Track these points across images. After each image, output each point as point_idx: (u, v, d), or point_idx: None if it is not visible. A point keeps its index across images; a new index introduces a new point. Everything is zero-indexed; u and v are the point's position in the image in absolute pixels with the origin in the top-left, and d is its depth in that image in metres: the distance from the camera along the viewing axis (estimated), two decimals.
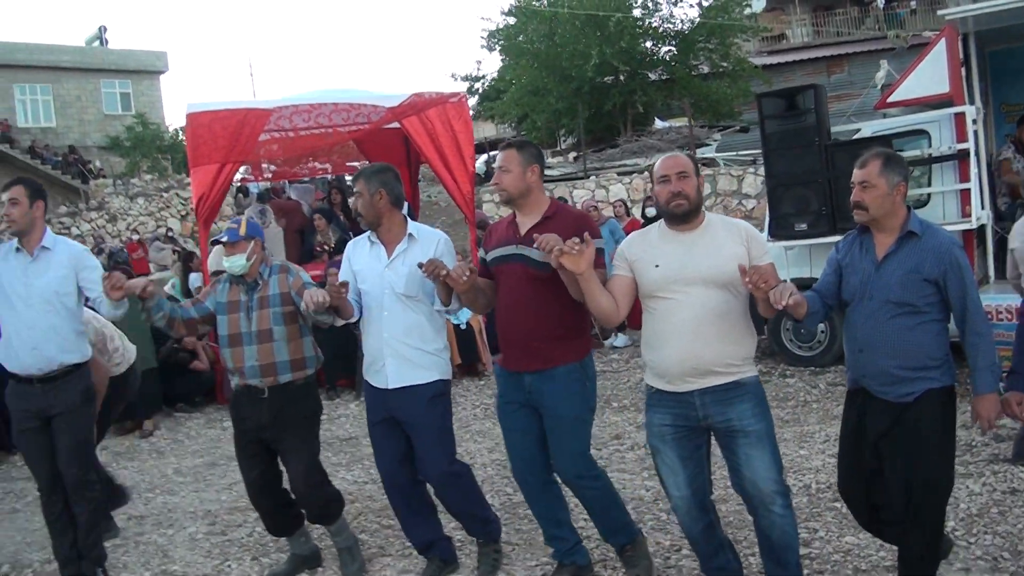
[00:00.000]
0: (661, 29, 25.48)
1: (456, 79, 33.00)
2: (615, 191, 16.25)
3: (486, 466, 6.51)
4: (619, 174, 17.24)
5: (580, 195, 15.95)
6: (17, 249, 4.66)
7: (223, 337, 4.62)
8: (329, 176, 18.09)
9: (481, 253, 4.40)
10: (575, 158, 22.13)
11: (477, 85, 31.76)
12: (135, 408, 8.51)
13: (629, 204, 13.83)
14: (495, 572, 4.58)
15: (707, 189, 15.71)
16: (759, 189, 15.65)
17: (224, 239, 4.50)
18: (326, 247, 10.88)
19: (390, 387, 4.32)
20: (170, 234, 24.05)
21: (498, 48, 28.98)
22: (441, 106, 10.04)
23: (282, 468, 4.71)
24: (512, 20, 27.84)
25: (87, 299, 4.75)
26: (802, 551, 4.13)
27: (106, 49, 39.88)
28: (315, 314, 4.28)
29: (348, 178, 20.06)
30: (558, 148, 27.01)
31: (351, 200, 4.61)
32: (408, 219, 4.52)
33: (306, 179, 14.22)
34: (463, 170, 10.06)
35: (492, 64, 42.82)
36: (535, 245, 3.71)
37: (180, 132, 36.44)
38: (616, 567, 4.44)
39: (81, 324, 4.79)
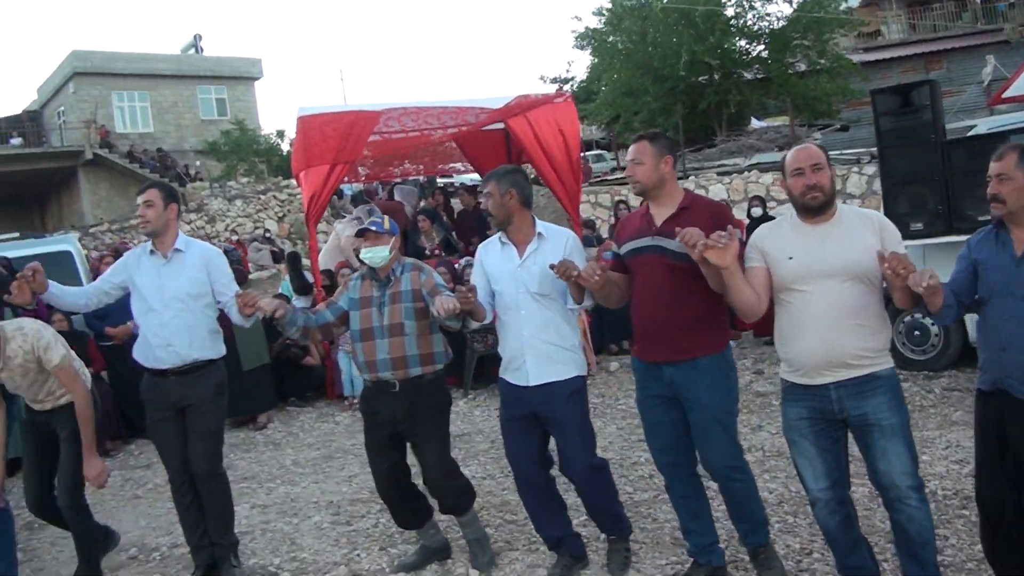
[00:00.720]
0: (756, 27, 25.12)
1: (545, 81, 33.13)
2: (715, 191, 16.09)
3: None
4: (718, 174, 17.05)
5: None
6: (152, 251, 4.85)
7: (355, 332, 4.70)
8: (421, 178, 18.37)
9: (613, 247, 4.42)
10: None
11: (567, 87, 31.81)
12: (249, 402, 8.78)
13: (730, 204, 13.68)
14: (626, 569, 4.58)
15: None
16: (864, 188, 15.35)
17: (372, 228, 4.62)
18: (436, 251, 10.99)
19: (531, 384, 4.35)
20: (267, 235, 24.58)
21: (589, 49, 28.98)
22: (547, 106, 10.10)
23: (411, 462, 4.80)
24: (603, 20, 27.81)
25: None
26: None
27: (202, 56, 40.89)
28: (445, 320, 4.32)
29: (441, 180, 20.30)
30: None
31: (482, 201, 4.65)
32: (536, 219, 4.56)
33: (398, 180, 14.39)
34: (569, 170, 10.09)
35: (582, 66, 42.67)
36: (677, 239, 3.67)
37: (275, 136, 37.27)
38: (747, 569, 4.39)
39: (215, 323, 4.93)
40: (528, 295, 4.35)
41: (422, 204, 13.19)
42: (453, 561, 4.92)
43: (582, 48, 29.23)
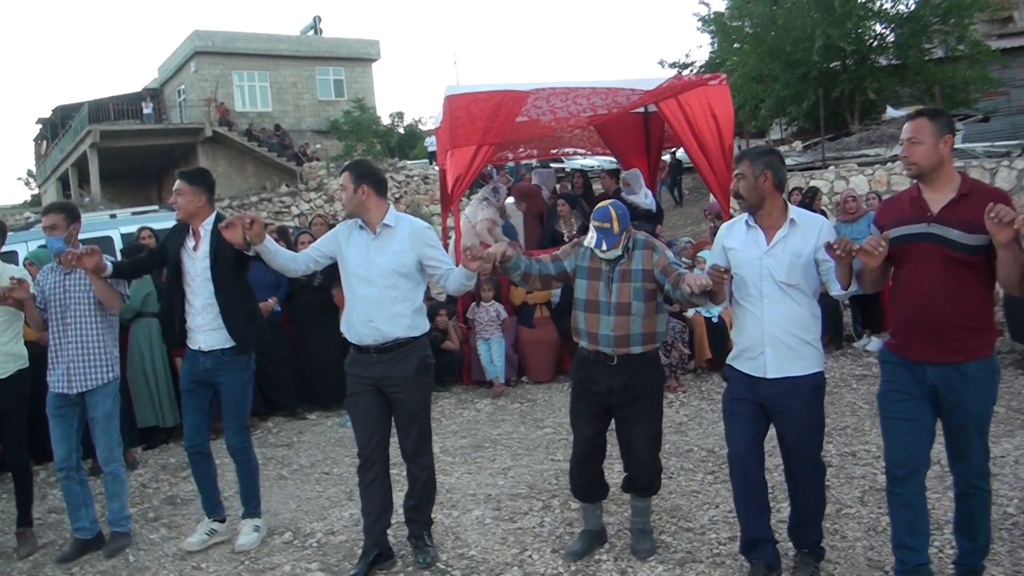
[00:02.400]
0: (892, 11, 24.01)
1: (664, 66, 32.45)
2: (856, 182, 15.31)
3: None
4: (859, 164, 16.28)
5: (821, 187, 15.09)
6: (361, 227, 4.78)
7: (580, 301, 4.64)
8: (534, 161, 18.05)
9: (874, 231, 4.05)
10: (805, 147, 21.18)
11: (686, 72, 31.09)
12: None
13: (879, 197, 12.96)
14: None
15: None
16: (1013, 183, 14.50)
17: (595, 245, 4.54)
18: (575, 238, 10.62)
19: (769, 376, 4.19)
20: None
21: (712, 33, 28.23)
22: (700, 89, 9.68)
23: None
24: (729, 3, 27.05)
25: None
26: None
27: (321, 38, 41.26)
28: (691, 297, 4.24)
29: (554, 164, 19.92)
30: (780, 137, 26.01)
31: (735, 183, 4.34)
32: (789, 203, 4.31)
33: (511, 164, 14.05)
34: (720, 157, 9.65)
35: (701, 51, 41.74)
36: (988, 216, 3.44)
37: (395, 118, 37.46)
38: None
39: (421, 300, 4.86)
40: (774, 283, 4.17)
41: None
42: (611, 546, 4.91)
43: (710, 32, 28.50)
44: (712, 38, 29.48)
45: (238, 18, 79.65)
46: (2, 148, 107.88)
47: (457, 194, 9.47)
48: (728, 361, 4.46)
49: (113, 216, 10.53)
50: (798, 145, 22.07)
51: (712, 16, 28.15)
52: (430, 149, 35.59)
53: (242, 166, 34.91)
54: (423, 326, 4.86)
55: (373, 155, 31.87)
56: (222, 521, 5.50)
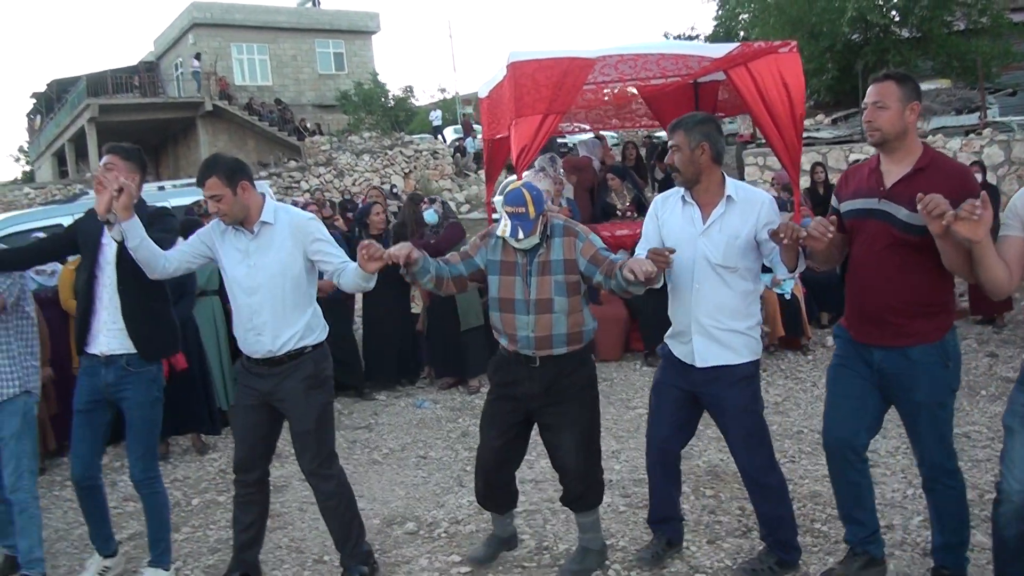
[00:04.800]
0: None
1: (669, 37, 32.14)
2: None
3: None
4: None
5: (853, 160, 14.84)
6: (235, 227, 4.23)
7: (493, 299, 4.15)
8: (586, 135, 17.65)
9: (834, 201, 3.88)
10: (833, 121, 20.89)
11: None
12: (463, 364, 8.32)
13: None
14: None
15: (1000, 156, 14.39)
16: None
17: (510, 234, 3.97)
18: (629, 211, 10.33)
19: (696, 365, 4.00)
20: (395, 191, 24.25)
21: (736, 3, 27.82)
22: (770, 56, 9.33)
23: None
24: None
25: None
26: None
27: (320, 10, 40.74)
28: (627, 285, 3.80)
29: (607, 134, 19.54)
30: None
31: (669, 155, 4.01)
32: (727, 177, 4.04)
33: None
34: (791, 126, 9.32)
35: (705, 23, 41.30)
36: (919, 207, 3.18)
37: (405, 92, 37.09)
38: None
39: (313, 303, 4.35)
40: (708, 266, 3.92)
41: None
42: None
43: (723, 2, 28.15)
44: (718, 8, 29.13)
45: None
46: None
47: (522, 166, 9.09)
48: (665, 338, 4.22)
49: (162, 188, 10.14)
50: (823, 118, 21.77)
51: None
52: (435, 123, 35.37)
53: (243, 141, 34.46)
54: (317, 335, 4.31)
55: (382, 128, 31.43)
56: (113, 555, 4.79)
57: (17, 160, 57.57)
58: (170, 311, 4.72)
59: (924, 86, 20.47)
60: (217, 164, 4.17)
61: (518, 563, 4.52)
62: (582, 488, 4.20)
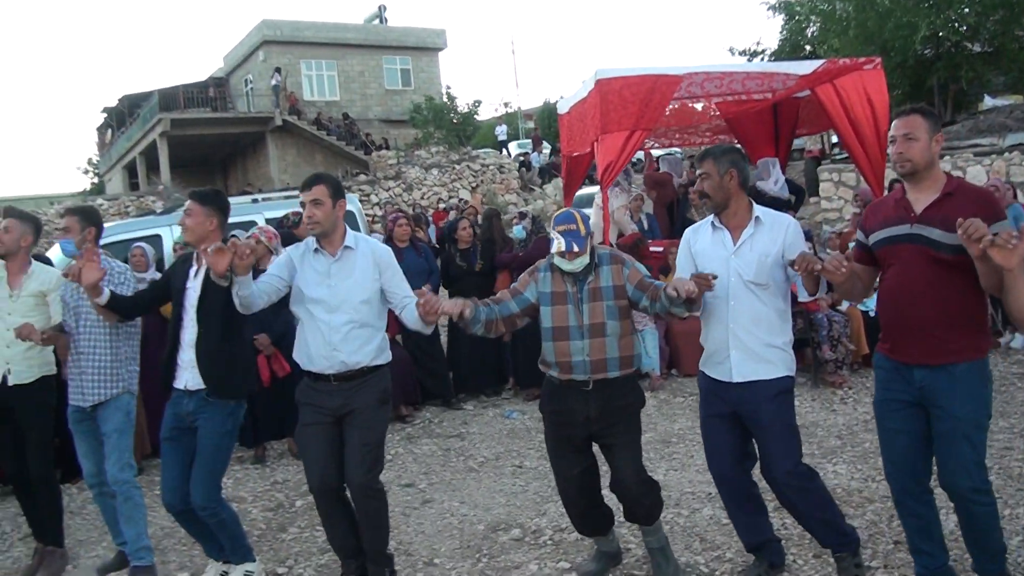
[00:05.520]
0: None
1: (734, 53, 31.97)
2: (973, 173, 14.88)
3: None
4: (975, 155, 15.80)
5: None
6: (316, 249, 4.48)
7: (547, 330, 4.27)
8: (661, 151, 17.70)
9: (859, 235, 4.03)
10: None
11: (756, 60, 30.54)
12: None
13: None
14: None
15: None
16: None
17: (564, 249, 4.17)
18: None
19: (734, 380, 4.11)
20: (462, 205, 24.45)
21: (788, 18, 27.59)
22: (856, 74, 9.37)
23: None
24: None
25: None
26: None
27: (388, 27, 41.24)
28: (671, 304, 4.02)
29: (658, 152, 19.58)
30: None
31: (700, 182, 4.28)
32: (753, 202, 4.23)
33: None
34: (876, 143, 9.34)
35: (771, 38, 41.03)
36: (959, 231, 3.31)
37: (472, 107, 37.39)
38: None
39: (384, 327, 4.58)
40: (741, 283, 4.09)
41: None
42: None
43: (785, 14, 27.89)
44: (784, 24, 28.91)
45: (303, 7, 79.66)
46: (63, 138, 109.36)
47: (607, 181, 9.23)
48: (700, 367, 4.34)
49: (255, 201, 10.40)
50: None
51: (782, 2, 27.59)
52: (500, 138, 35.59)
53: (311, 155, 34.98)
54: (385, 355, 4.54)
55: (449, 143, 31.73)
56: (228, 561, 4.93)
57: (85, 172, 58.76)
58: (246, 354, 5.02)
59: (996, 102, 20.24)
60: (327, 177, 4.53)
61: (627, 571, 4.60)
62: (648, 502, 4.34)
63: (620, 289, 4.21)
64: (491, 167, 27.93)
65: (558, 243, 4.16)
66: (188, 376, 4.60)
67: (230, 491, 4.76)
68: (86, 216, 5.14)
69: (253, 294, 4.31)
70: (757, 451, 4.21)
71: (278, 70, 35.85)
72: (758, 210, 4.16)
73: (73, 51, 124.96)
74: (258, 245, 4.39)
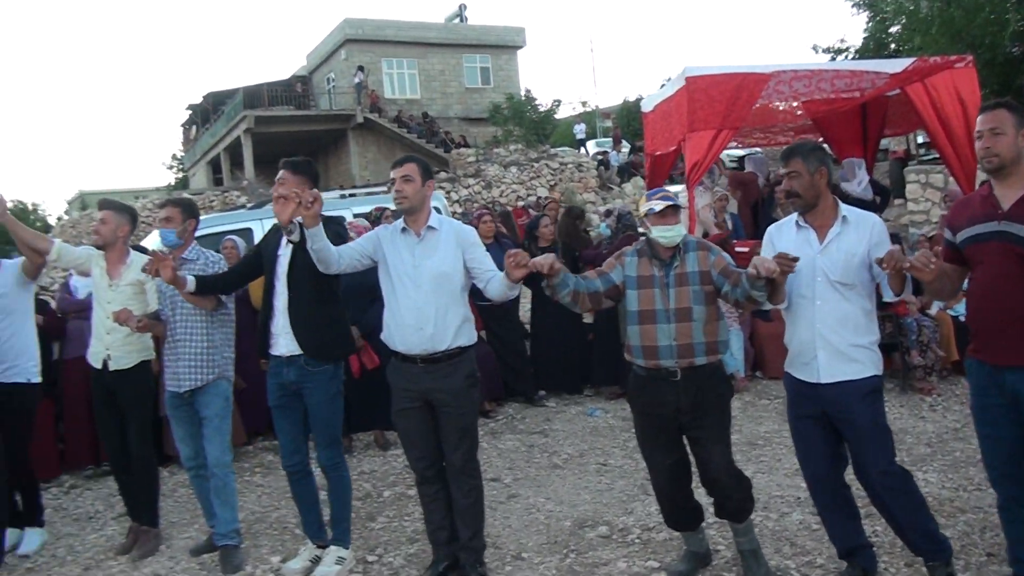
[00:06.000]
0: None
1: (818, 51, 31.43)
2: None
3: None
4: None
5: None
6: (403, 230, 4.56)
7: (632, 313, 4.27)
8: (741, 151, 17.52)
9: (947, 234, 3.95)
10: None
11: (841, 58, 29.98)
12: (625, 376, 8.40)
13: None
14: None
15: None
16: None
17: (657, 207, 4.18)
18: None
19: (822, 381, 4.04)
20: (540, 202, 24.48)
21: (872, 14, 27.02)
22: (947, 72, 9.16)
23: None
24: None
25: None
26: None
27: (468, 25, 41.48)
28: (751, 287, 3.98)
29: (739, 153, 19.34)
30: None
31: (787, 182, 4.22)
32: (839, 200, 4.20)
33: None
34: (967, 144, 9.09)
35: (855, 36, 40.19)
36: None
37: (553, 105, 37.53)
38: None
39: (468, 308, 4.62)
40: (827, 283, 4.04)
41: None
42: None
43: (869, 10, 27.32)
44: (868, 21, 28.33)
45: (385, 6, 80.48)
46: (149, 134, 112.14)
47: (694, 180, 9.16)
48: (785, 368, 4.28)
49: (343, 196, 10.60)
50: None
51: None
52: (578, 136, 35.54)
53: (391, 152, 35.22)
54: (471, 336, 4.58)
55: (526, 141, 31.80)
56: (325, 545, 5.08)
57: (170, 168, 60.14)
58: (341, 316, 5.05)
59: None
60: (418, 157, 4.68)
61: (716, 573, 4.58)
62: (740, 497, 4.33)
63: (706, 275, 4.20)
64: (569, 165, 27.86)
65: (655, 205, 4.17)
66: (285, 342, 4.78)
67: (319, 480, 4.87)
68: (187, 208, 5.30)
69: (326, 248, 4.39)
70: (849, 453, 4.15)
71: (361, 68, 36.27)
72: (844, 209, 4.12)
73: (158, 50, 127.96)
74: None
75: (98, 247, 5.44)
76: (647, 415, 4.34)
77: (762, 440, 6.95)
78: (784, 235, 4.24)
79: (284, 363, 4.80)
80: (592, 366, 8.92)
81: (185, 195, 27.38)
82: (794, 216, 4.21)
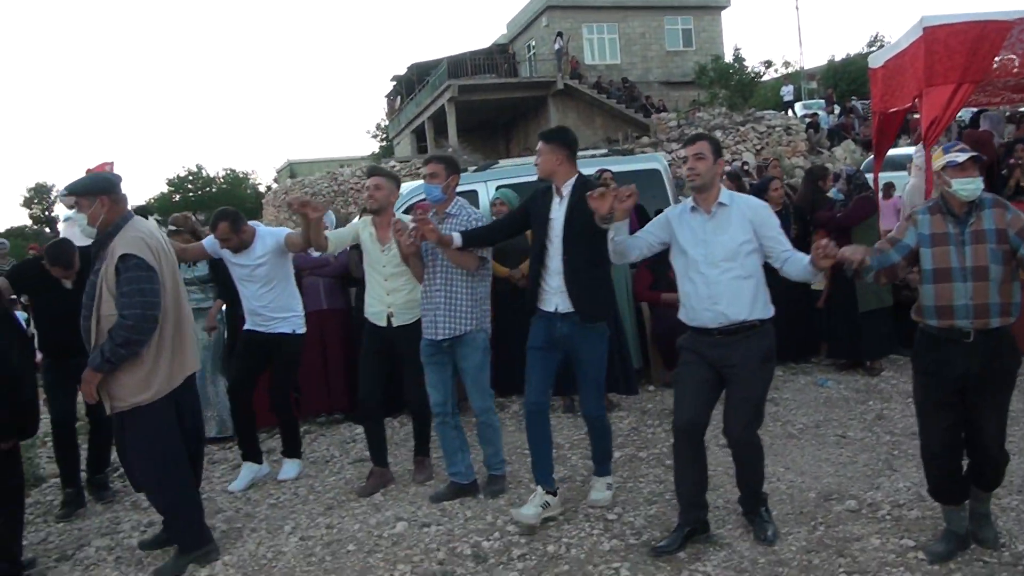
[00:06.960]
0: None
1: None
2: None
3: None
4: None
5: None
6: (692, 208, 4.58)
7: (927, 272, 4.15)
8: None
9: None
10: None
11: None
12: (861, 345, 8.08)
13: None
14: None
15: None
16: None
17: (960, 159, 4.01)
18: None
19: None
20: (745, 167, 23.83)
21: None
22: None
23: None
24: None
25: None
26: None
27: None
28: None
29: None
30: None
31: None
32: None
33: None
34: None
35: None
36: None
37: (759, 66, 36.69)
38: None
39: (763, 281, 4.53)
40: None
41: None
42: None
43: None
44: None
45: None
46: (353, 105, 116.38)
47: (931, 139, 8.60)
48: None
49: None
50: None
51: None
52: (786, 98, 34.40)
53: (591, 118, 35.26)
54: (766, 308, 4.50)
55: (732, 104, 31.05)
56: (554, 494, 5.16)
57: (374, 136, 62.27)
58: (609, 276, 5.24)
59: None
60: (710, 135, 4.78)
61: (977, 557, 4.31)
62: (997, 472, 4.26)
63: (1002, 233, 4.03)
64: (777, 128, 27.05)
65: (957, 157, 4.03)
66: (558, 301, 4.96)
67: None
68: (450, 164, 5.53)
69: (627, 242, 4.59)
70: None
71: (560, 34, 36.32)
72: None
73: (362, 25, 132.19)
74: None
75: (372, 212, 5.86)
76: (932, 375, 4.21)
77: (1009, 420, 6.47)
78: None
79: (558, 318, 4.99)
80: (825, 336, 8.62)
81: (393, 163, 28.25)
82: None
